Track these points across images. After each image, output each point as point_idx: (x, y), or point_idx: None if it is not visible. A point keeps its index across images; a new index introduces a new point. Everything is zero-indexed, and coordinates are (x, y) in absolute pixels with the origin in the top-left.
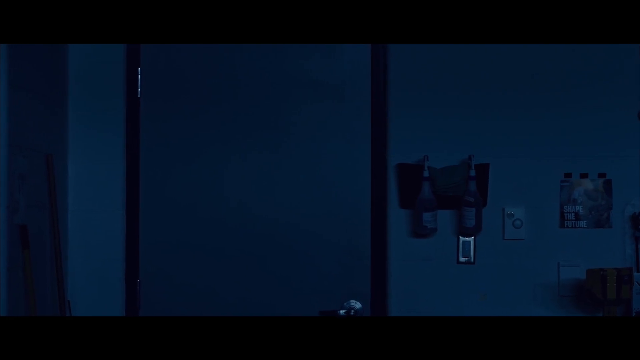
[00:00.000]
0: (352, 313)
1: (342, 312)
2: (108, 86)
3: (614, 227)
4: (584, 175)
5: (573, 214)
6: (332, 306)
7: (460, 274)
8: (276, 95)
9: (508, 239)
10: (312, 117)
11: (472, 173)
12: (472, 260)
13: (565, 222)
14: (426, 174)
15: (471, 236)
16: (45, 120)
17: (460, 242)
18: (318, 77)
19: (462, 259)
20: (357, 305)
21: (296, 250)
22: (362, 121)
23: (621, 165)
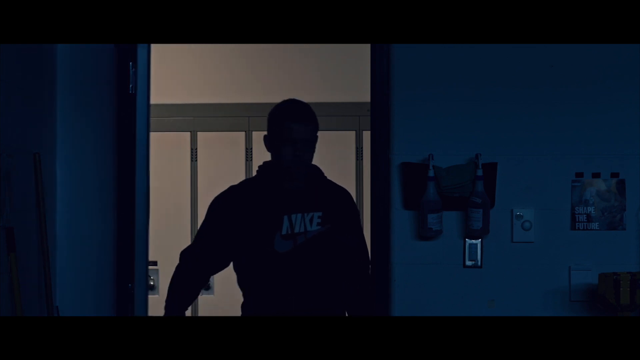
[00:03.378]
0: None
1: None
2: (98, 81)
3: (627, 230)
4: (596, 175)
5: (585, 215)
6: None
7: (467, 278)
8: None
9: (517, 242)
10: None
11: (480, 173)
12: (479, 264)
13: (577, 224)
14: (431, 173)
15: (478, 239)
16: (31, 116)
17: (467, 245)
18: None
19: (468, 263)
20: None
21: None
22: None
23: (635, 165)
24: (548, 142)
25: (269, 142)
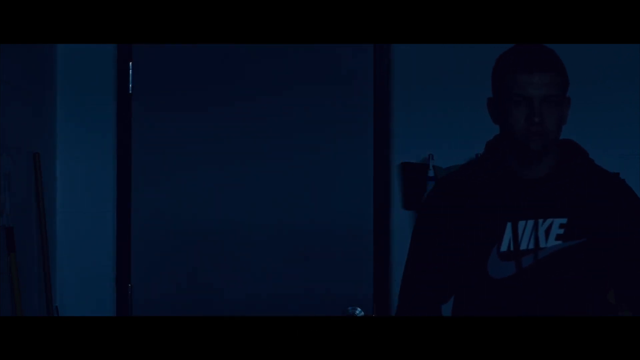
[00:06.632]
0: None
1: None
2: (98, 81)
3: None
4: None
5: None
6: (333, 313)
7: None
8: (275, 93)
9: None
10: (311, 118)
11: None
12: None
13: None
14: (431, 173)
15: None
16: (31, 116)
17: None
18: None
19: None
20: (360, 313)
21: (294, 254)
22: (364, 118)
23: (635, 165)
24: None
25: (493, 108)
